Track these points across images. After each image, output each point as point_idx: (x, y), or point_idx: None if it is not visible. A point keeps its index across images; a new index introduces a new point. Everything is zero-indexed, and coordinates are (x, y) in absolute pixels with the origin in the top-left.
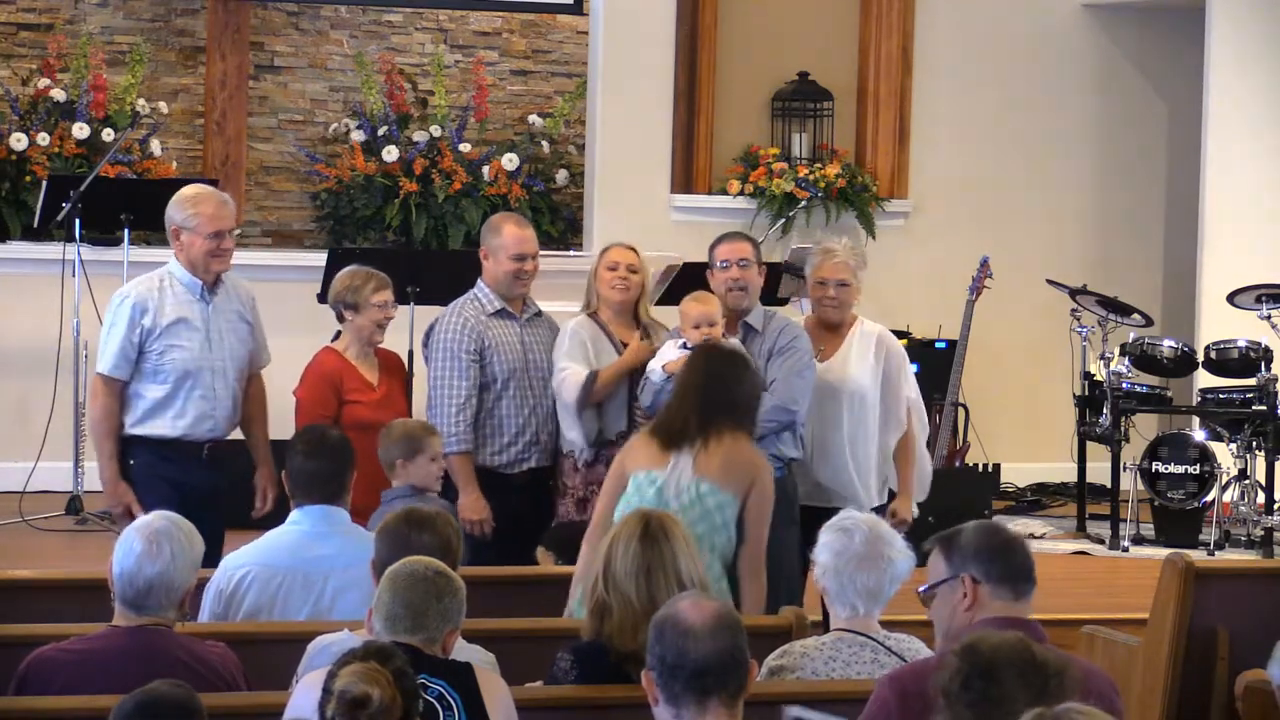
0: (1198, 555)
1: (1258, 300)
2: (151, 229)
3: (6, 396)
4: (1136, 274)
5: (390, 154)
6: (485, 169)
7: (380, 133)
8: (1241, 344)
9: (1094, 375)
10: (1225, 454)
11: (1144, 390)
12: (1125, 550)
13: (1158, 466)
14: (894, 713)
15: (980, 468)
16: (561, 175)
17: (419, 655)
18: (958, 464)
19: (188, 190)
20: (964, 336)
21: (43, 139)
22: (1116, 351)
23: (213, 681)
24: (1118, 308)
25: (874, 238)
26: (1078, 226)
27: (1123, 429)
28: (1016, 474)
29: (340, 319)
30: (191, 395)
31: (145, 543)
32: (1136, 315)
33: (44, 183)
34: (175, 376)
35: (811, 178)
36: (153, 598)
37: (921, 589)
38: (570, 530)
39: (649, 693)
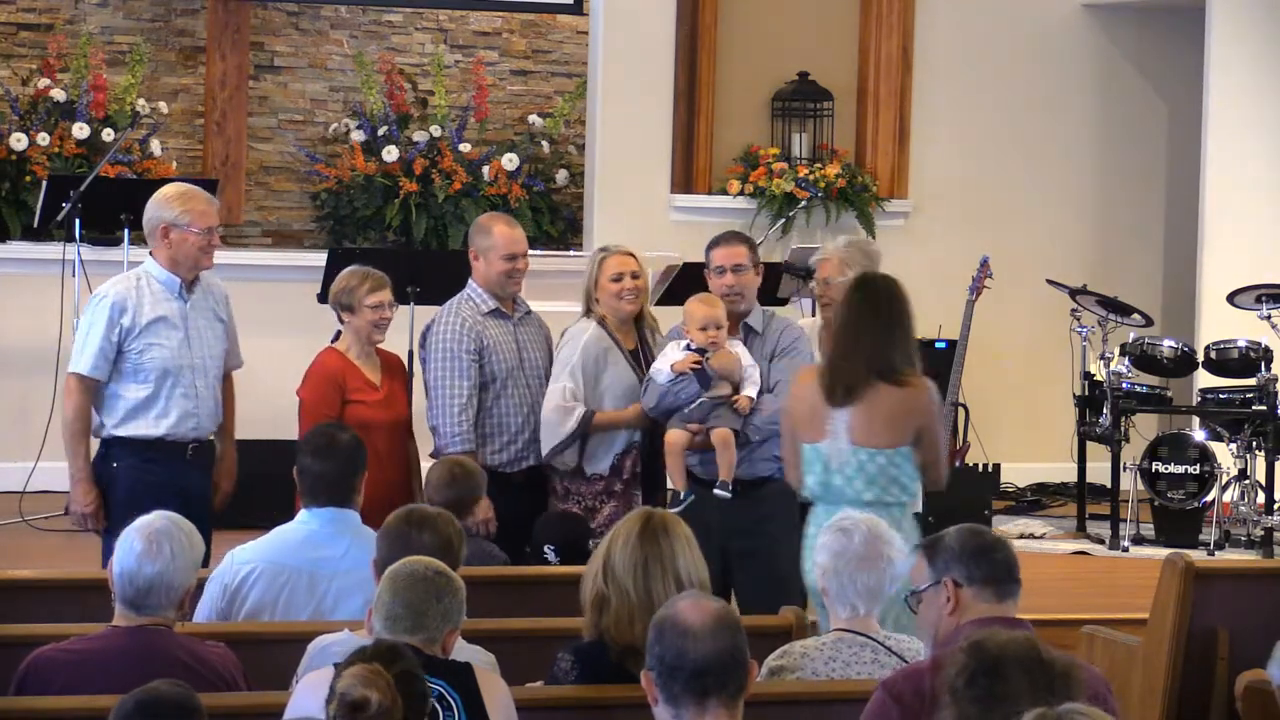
0: (1198, 555)
1: (1258, 300)
2: None
3: (6, 396)
4: (1136, 274)
5: (390, 154)
6: (485, 169)
7: (380, 133)
8: (1241, 344)
9: (1094, 375)
10: (1225, 454)
11: (1144, 390)
12: (1125, 550)
13: (1158, 466)
14: (893, 714)
15: (980, 468)
16: (561, 175)
17: (419, 655)
18: (958, 464)
19: (173, 188)
20: (964, 336)
21: (43, 139)
22: (1116, 351)
23: (213, 681)
24: (1118, 308)
25: (874, 238)
26: (1078, 226)
27: (1123, 429)
28: (1016, 474)
29: (340, 319)
30: (174, 394)
31: (145, 542)
32: (1136, 315)
33: (44, 183)
34: (156, 375)
35: (811, 178)
36: (153, 598)
37: (907, 595)
38: (565, 520)
39: (648, 693)
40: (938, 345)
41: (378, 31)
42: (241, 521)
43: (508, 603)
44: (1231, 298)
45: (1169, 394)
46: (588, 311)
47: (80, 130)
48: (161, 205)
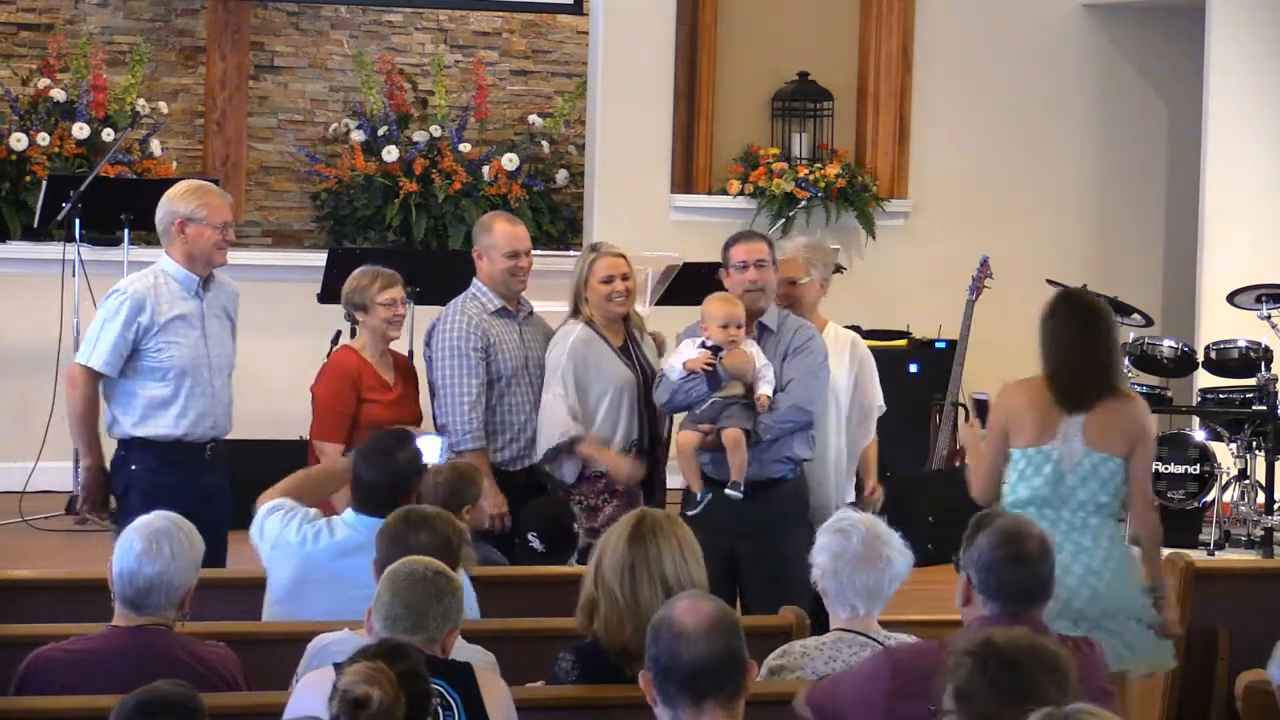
0: (1198, 555)
1: (1258, 300)
2: (152, 229)
3: (6, 396)
4: (1136, 274)
5: (390, 154)
6: (485, 169)
7: (380, 133)
8: (1241, 344)
9: None
10: (1225, 454)
11: (1144, 390)
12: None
13: (1158, 466)
14: (885, 681)
15: None
16: (561, 175)
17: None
18: (958, 464)
19: (186, 184)
20: (964, 336)
21: (43, 139)
22: None
23: (213, 681)
24: (1118, 308)
25: (874, 238)
26: (1078, 226)
27: None
28: None
29: (353, 320)
30: (193, 393)
31: (145, 542)
32: (1136, 315)
33: (44, 183)
34: (175, 374)
35: (811, 178)
36: (153, 597)
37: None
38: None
39: (647, 693)
40: (938, 345)
41: (378, 31)
42: (243, 522)
43: (508, 603)
44: (1231, 298)
45: (1169, 394)
46: (575, 311)
47: (80, 130)
48: (175, 201)
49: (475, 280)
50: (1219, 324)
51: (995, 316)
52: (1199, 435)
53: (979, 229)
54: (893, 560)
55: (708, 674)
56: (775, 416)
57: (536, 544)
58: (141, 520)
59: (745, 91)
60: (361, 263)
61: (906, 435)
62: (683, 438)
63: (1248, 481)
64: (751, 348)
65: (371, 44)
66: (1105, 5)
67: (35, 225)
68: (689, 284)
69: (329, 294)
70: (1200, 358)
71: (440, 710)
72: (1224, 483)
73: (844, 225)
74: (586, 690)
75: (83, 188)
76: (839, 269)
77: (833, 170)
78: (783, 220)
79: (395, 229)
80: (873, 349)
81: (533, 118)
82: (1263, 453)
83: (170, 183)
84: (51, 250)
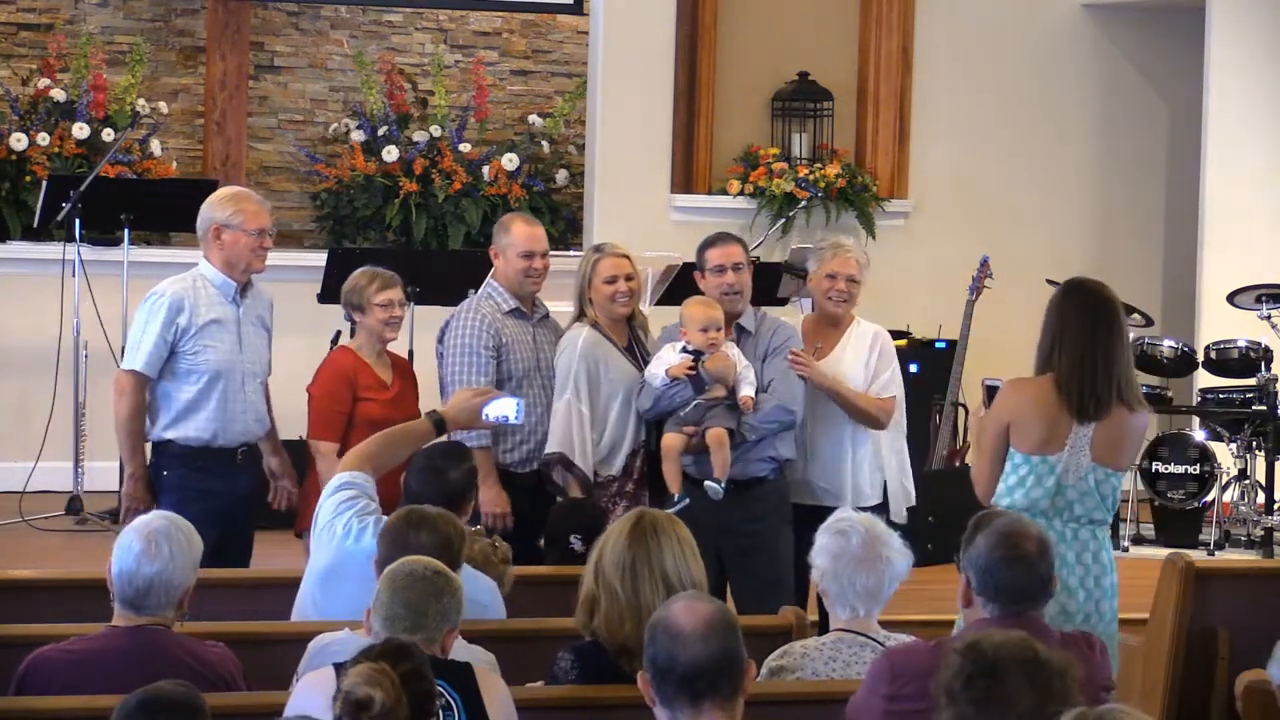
0: (1198, 555)
1: (1258, 300)
2: (151, 229)
3: (6, 396)
4: (1136, 274)
5: (390, 154)
6: (485, 169)
7: (380, 133)
8: (1241, 344)
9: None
10: (1225, 454)
11: (1144, 390)
12: (1125, 550)
13: (1158, 466)
14: (884, 684)
15: None
16: (561, 175)
17: None
18: (958, 464)
19: (225, 190)
20: (964, 336)
21: (43, 139)
22: None
23: (213, 681)
24: None
25: (874, 238)
26: (1078, 226)
27: None
28: None
29: (351, 320)
30: (225, 397)
31: (144, 542)
32: (1136, 315)
33: (44, 183)
34: (208, 377)
35: (811, 178)
36: (152, 597)
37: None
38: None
39: (645, 694)
40: (938, 345)
41: (378, 31)
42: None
43: (508, 603)
44: (1231, 298)
45: (1169, 394)
46: (581, 314)
47: (80, 130)
48: (213, 207)
49: (491, 279)
50: (1219, 324)
51: (995, 316)
52: (1199, 435)
53: (979, 229)
54: (892, 560)
55: (705, 675)
56: (760, 417)
57: (579, 546)
58: (140, 520)
59: (745, 91)
60: (361, 263)
61: (907, 435)
62: (668, 440)
63: (1248, 481)
64: (732, 350)
65: (371, 44)
66: (1105, 5)
67: (35, 225)
68: (689, 284)
69: (329, 294)
70: (1200, 358)
71: (441, 710)
72: (1224, 483)
73: (844, 225)
74: (586, 690)
75: (83, 188)
76: None
77: (833, 170)
78: (783, 220)
79: (395, 229)
80: None
81: (533, 118)
82: (1263, 453)
83: (170, 183)
84: (51, 250)
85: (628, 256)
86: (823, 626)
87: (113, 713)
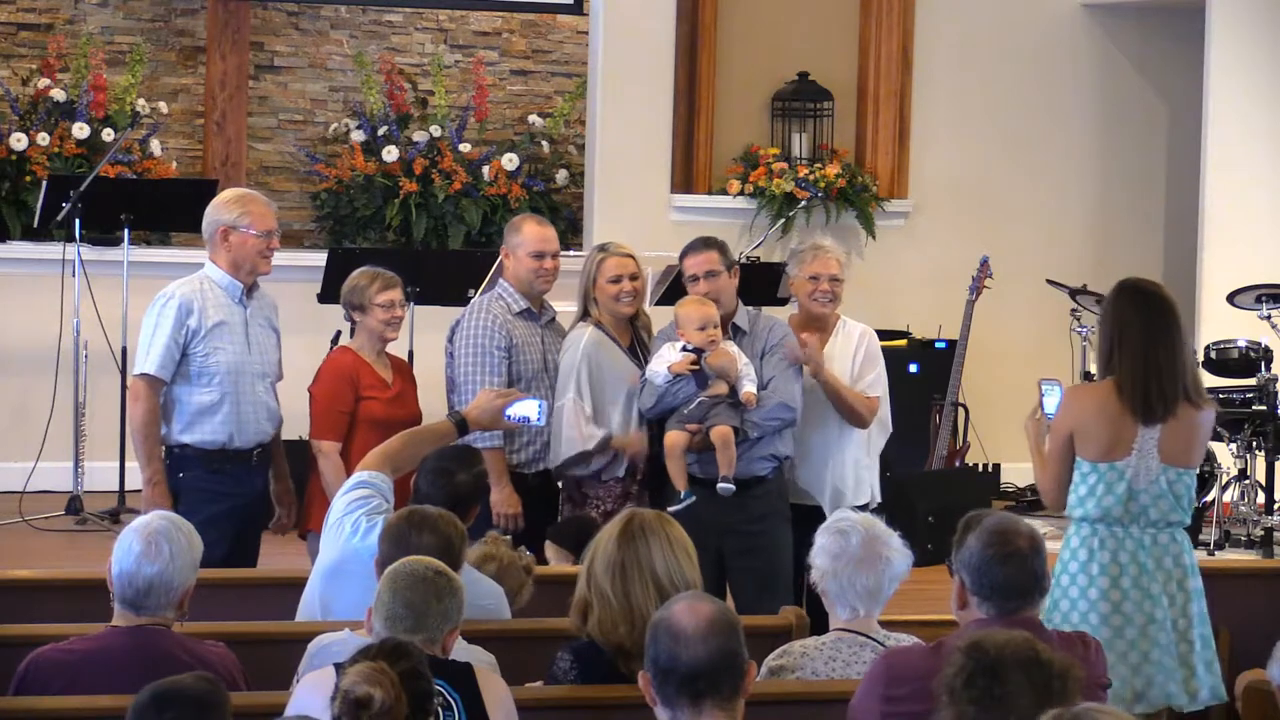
0: (1198, 555)
1: (1258, 300)
2: (151, 229)
3: (6, 396)
4: (1136, 274)
5: (390, 154)
6: (485, 169)
7: (380, 133)
8: (1241, 344)
9: (1094, 375)
10: (1225, 454)
11: None
12: None
13: None
14: (880, 685)
15: (980, 468)
16: (561, 175)
17: None
18: (958, 464)
19: (232, 192)
20: (964, 336)
21: (43, 139)
22: None
23: None
24: None
25: (874, 238)
26: (1078, 226)
27: None
28: (1016, 474)
29: (351, 320)
30: (238, 399)
31: (144, 543)
32: None
33: (44, 183)
34: (220, 379)
35: (811, 178)
36: (152, 598)
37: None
38: (579, 524)
39: (646, 694)
40: (938, 345)
41: (378, 31)
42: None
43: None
44: (1231, 298)
45: None
46: (585, 313)
47: (80, 130)
48: (220, 209)
49: (502, 280)
50: (1219, 324)
51: (995, 316)
52: None
53: (979, 229)
54: (892, 560)
55: (706, 675)
56: (763, 414)
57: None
58: (140, 521)
59: (745, 91)
60: (361, 263)
61: (906, 435)
62: (671, 438)
63: (1248, 481)
64: (732, 348)
65: (371, 44)
66: (1105, 5)
67: (35, 225)
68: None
69: (329, 294)
70: (1200, 358)
71: (441, 710)
72: (1224, 483)
73: (844, 225)
74: (586, 690)
75: (83, 188)
76: None
77: (833, 170)
78: (782, 220)
79: (395, 229)
80: None
81: (533, 118)
82: (1263, 453)
83: (170, 183)
84: (51, 250)
85: (633, 256)
86: (815, 626)
87: (130, 706)
